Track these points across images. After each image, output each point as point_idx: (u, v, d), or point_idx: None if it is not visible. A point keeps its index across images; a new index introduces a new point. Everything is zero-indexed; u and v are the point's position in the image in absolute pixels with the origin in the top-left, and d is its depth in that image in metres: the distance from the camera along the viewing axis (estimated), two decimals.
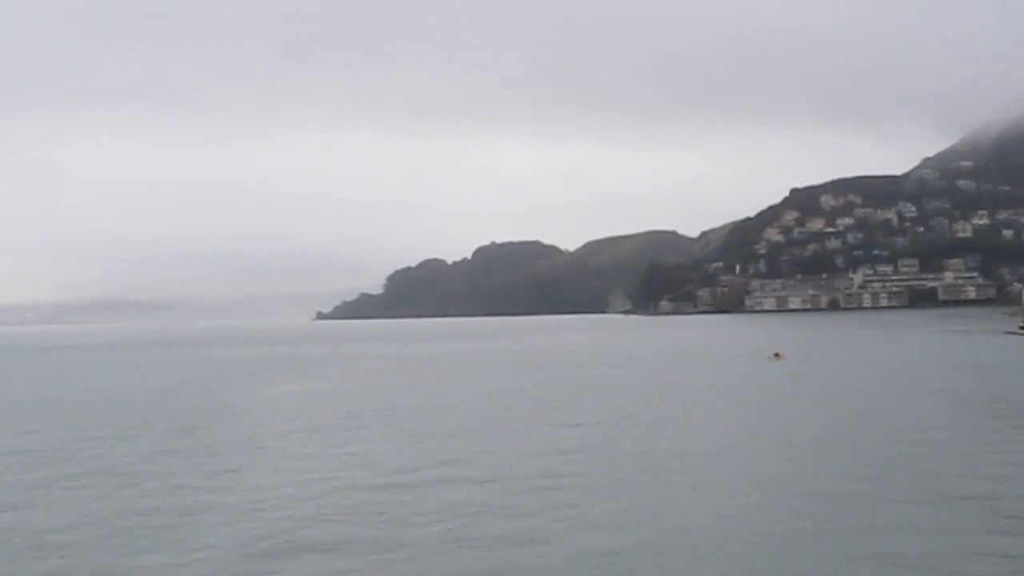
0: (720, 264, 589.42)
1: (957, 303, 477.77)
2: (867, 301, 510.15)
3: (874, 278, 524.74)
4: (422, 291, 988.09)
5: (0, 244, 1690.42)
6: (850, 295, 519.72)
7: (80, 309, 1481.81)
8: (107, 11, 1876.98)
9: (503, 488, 36.92)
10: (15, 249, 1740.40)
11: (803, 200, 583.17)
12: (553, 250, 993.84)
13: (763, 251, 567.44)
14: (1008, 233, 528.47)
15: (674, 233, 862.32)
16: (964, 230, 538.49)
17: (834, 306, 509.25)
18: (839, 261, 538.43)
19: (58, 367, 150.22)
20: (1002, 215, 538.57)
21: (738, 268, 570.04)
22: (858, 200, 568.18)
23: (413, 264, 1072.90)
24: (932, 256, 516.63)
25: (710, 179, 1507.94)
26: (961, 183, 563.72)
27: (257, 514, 33.34)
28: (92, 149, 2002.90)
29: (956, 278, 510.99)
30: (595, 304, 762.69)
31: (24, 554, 29.03)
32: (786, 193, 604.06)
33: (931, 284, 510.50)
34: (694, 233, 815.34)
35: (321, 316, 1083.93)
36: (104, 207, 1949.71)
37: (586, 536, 29.40)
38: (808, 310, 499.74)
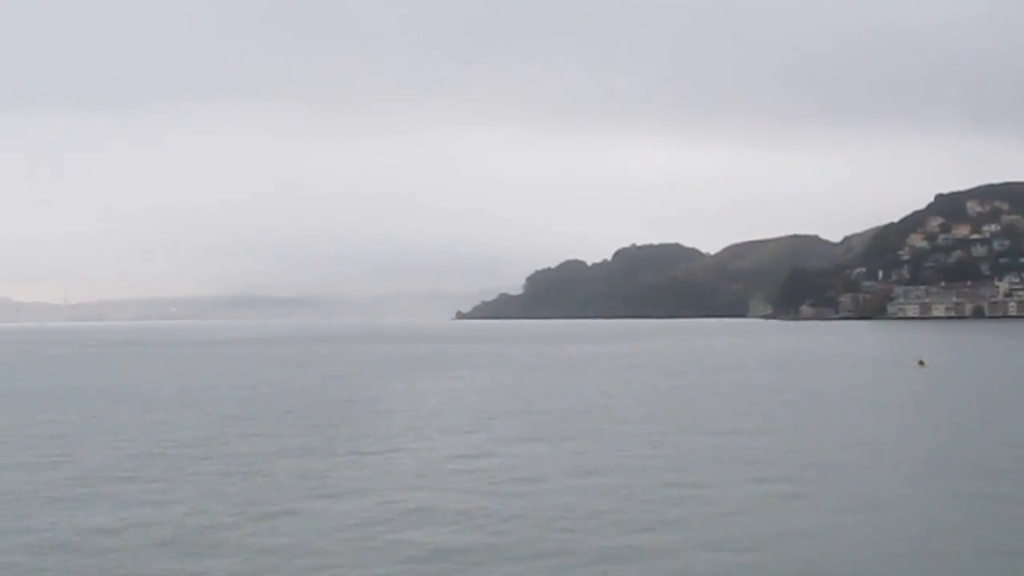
0: (863, 270, 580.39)
1: None
2: (1013, 310, 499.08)
3: (1020, 286, 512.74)
4: (562, 292, 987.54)
5: (151, 241, 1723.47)
6: (995, 303, 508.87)
7: (224, 304, 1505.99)
8: (249, 6, 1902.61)
9: (641, 497, 36.54)
10: (165, 246, 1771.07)
11: (948, 206, 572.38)
12: (693, 253, 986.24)
13: (907, 257, 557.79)
14: None
15: (816, 238, 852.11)
16: None
17: (978, 314, 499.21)
18: (984, 268, 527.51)
19: (202, 362, 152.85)
20: None
21: (881, 274, 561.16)
22: (1005, 207, 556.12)
23: (553, 265, 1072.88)
24: None
25: (853, 183, 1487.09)
26: None
27: (397, 517, 33.33)
28: (237, 146, 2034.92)
29: None
30: (735, 308, 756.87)
31: (165, 550, 29.31)
32: (931, 198, 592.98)
33: None
34: (837, 238, 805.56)
35: (461, 315, 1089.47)
36: (249, 204, 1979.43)
37: (720, 552, 29.08)
38: (952, 318, 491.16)
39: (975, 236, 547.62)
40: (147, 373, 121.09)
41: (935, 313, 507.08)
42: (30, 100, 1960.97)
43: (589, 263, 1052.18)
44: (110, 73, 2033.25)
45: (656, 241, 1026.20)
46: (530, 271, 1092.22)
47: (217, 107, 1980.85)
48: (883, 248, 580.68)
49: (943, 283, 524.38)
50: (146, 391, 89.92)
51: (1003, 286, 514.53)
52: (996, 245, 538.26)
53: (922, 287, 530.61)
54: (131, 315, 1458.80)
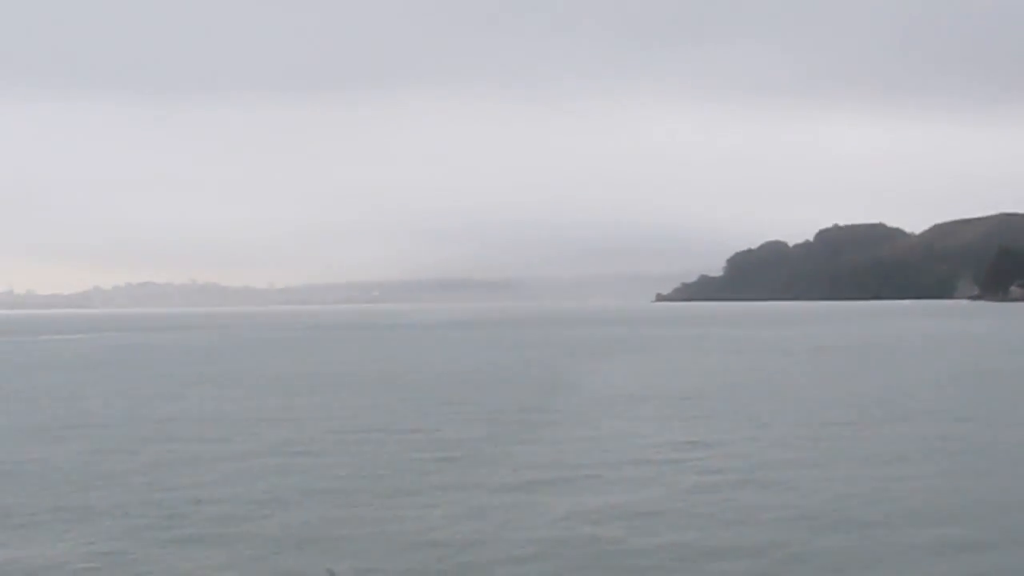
0: None
1: None
2: None
3: None
4: (763, 274, 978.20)
5: (355, 225, 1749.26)
6: None
7: (427, 288, 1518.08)
8: None
9: (856, 490, 35.45)
10: (369, 230, 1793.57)
11: None
12: (897, 232, 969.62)
13: None
14: None
15: None
16: None
17: None
18: None
19: (406, 345, 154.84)
20: None
21: None
22: None
23: (754, 246, 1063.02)
24: None
25: None
26: None
27: (607, 511, 32.54)
28: (441, 130, 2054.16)
29: None
30: (940, 289, 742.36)
31: (379, 543, 29.16)
32: None
33: None
34: None
35: (660, 298, 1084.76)
36: (452, 188, 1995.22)
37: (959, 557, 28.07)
38: None
39: None
40: (351, 357, 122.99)
41: None
42: (233, 84, 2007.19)
43: (791, 244, 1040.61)
44: (317, 58, 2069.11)
45: (859, 221, 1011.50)
46: (730, 252, 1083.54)
47: (420, 91, 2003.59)
48: None
49: None
50: (351, 375, 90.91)
51: None
52: None
53: None
54: (336, 299, 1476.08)
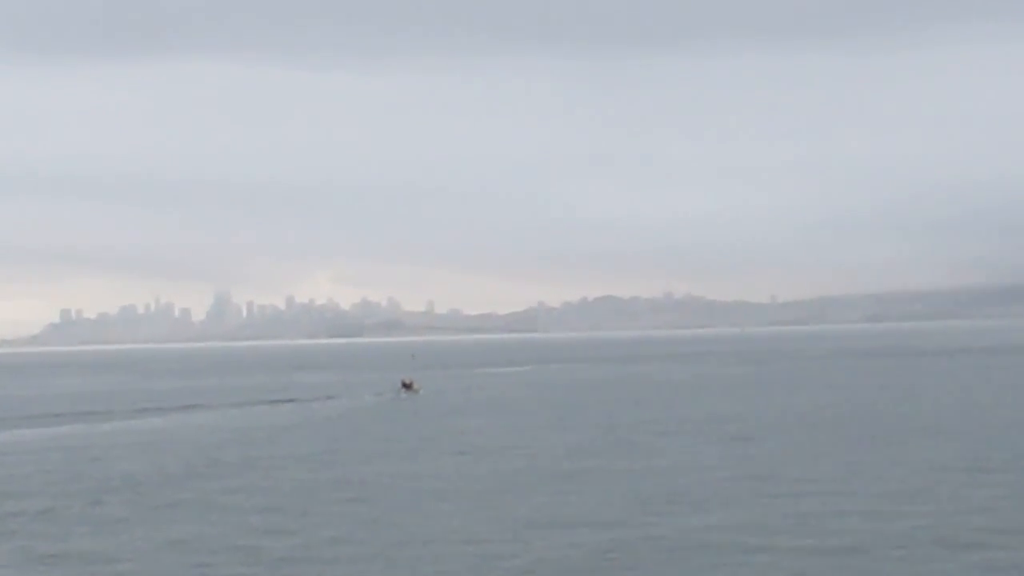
0: None
1: None
2: None
3: None
4: None
5: (882, 218, 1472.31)
6: None
7: (989, 298, 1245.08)
8: None
9: None
10: (900, 222, 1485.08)
11: None
12: None
13: None
14: None
15: None
16: None
17: None
18: None
19: (962, 378, 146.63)
20: None
21: None
22: None
23: None
24: None
25: None
26: None
27: None
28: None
29: None
30: None
31: None
32: None
33: None
34: None
35: None
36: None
37: None
38: None
39: None
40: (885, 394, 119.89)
41: None
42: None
43: None
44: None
45: None
46: None
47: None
48: None
49: None
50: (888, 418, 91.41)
51: None
52: None
53: None
54: (860, 316, 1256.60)
